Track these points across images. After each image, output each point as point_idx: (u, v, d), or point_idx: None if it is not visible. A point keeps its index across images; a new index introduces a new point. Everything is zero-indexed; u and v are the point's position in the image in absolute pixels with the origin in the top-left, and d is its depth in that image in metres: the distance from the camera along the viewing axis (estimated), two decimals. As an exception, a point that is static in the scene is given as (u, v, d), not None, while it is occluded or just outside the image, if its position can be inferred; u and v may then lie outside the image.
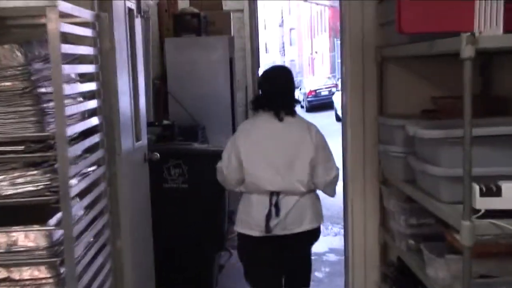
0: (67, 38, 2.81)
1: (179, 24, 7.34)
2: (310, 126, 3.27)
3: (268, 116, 3.24)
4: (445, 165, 2.38)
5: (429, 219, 2.85)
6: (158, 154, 4.13)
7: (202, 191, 4.75)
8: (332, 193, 3.33)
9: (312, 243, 3.37)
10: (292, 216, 3.17)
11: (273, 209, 3.14)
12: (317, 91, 26.49)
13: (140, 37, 4.05)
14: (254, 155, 3.20)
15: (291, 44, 54.16)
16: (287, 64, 52.80)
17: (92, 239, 2.96)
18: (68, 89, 2.59)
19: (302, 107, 27.53)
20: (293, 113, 3.24)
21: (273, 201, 3.15)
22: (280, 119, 3.20)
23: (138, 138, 3.90)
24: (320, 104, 24.83)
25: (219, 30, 7.90)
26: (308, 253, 3.41)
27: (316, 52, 42.93)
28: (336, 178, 3.27)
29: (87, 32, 2.99)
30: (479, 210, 2.16)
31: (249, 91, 10.19)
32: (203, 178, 4.72)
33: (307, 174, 3.17)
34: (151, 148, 4.40)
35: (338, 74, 34.64)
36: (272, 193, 3.16)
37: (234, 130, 7.55)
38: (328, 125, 18.31)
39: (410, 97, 3.42)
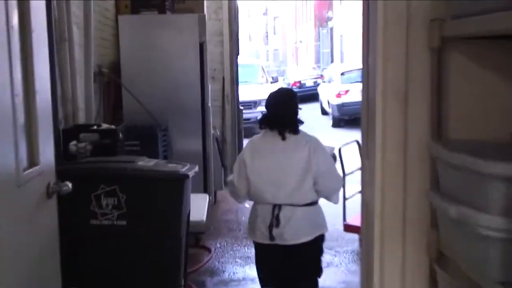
0: None
1: (137, -2, 5.86)
2: (312, 142, 3.49)
3: (273, 134, 3.47)
4: None
5: None
6: (70, 185, 2.64)
7: (148, 229, 3.32)
8: (336, 201, 3.73)
9: (320, 253, 3.64)
10: (291, 228, 3.41)
11: (274, 221, 3.39)
12: (302, 82, 24.94)
13: (42, 8, 2.57)
14: (259, 169, 3.46)
15: (275, 33, 53.19)
16: (270, 53, 51.96)
17: None
18: None
19: (285, 98, 26.11)
20: (296, 132, 3.47)
21: (275, 213, 3.40)
22: (283, 138, 3.43)
23: (33, 162, 2.43)
24: (305, 95, 23.16)
25: (189, 8, 6.48)
26: (311, 261, 3.60)
27: (300, 42, 41.60)
28: (340, 186, 3.75)
29: None
30: None
31: (227, 82, 8.74)
32: (149, 211, 3.29)
33: (309, 187, 3.42)
34: (67, 169, 2.94)
35: (323, 64, 33.29)
36: (274, 205, 3.41)
37: (204, 129, 6.06)
38: (313, 118, 17.02)
39: (487, 109, 1.93)
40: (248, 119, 14.95)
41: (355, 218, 6.11)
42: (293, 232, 3.41)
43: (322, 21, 35.54)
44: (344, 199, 5.86)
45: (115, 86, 5.69)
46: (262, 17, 54.31)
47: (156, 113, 5.61)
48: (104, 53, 5.71)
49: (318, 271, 3.69)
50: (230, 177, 3.69)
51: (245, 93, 11.66)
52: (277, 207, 3.39)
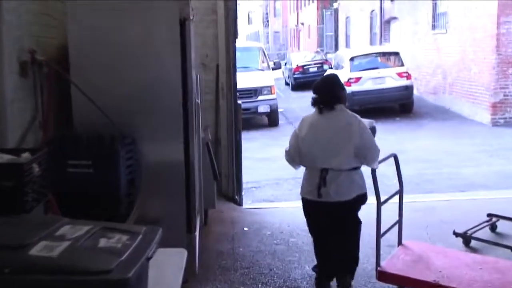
0: None
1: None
2: (355, 117, 4.30)
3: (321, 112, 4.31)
4: None
5: None
6: None
7: None
8: (376, 165, 4.26)
9: (357, 209, 4.40)
10: (335, 188, 4.19)
11: (322, 182, 4.19)
12: (305, 67, 23.18)
13: None
14: (310, 140, 4.27)
15: (275, 15, 51.64)
16: (270, 36, 50.26)
17: None
18: None
19: (287, 84, 24.37)
20: (331, 108, 4.26)
21: (323, 175, 4.19)
22: (330, 113, 4.25)
23: None
24: (308, 81, 21.43)
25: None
26: (353, 217, 4.39)
27: (302, 24, 39.87)
28: (378, 154, 4.29)
29: None
30: None
31: (222, 71, 7.07)
32: None
33: (351, 155, 4.19)
34: None
35: (326, 48, 31.50)
36: (322, 169, 4.20)
37: (187, 134, 4.36)
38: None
39: None
40: (248, 109, 13.21)
41: (391, 262, 4.38)
42: (337, 192, 4.19)
43: (325, 4, 33.82)
44: (378, 235, 4.18)
45: (60, 82, 4.02)
46: (262, -2, 52.78)
47: (119, 118, 3.97)
48: (44, 34, 4.04)
49: (357, 223, 4.45)
50: (287, 147, 4.47)
51: (244, 81, 9.95)
52: (324, 171, 4.18)
